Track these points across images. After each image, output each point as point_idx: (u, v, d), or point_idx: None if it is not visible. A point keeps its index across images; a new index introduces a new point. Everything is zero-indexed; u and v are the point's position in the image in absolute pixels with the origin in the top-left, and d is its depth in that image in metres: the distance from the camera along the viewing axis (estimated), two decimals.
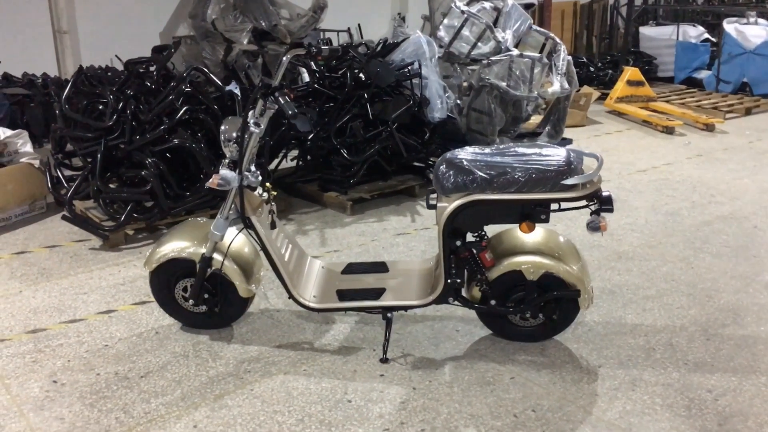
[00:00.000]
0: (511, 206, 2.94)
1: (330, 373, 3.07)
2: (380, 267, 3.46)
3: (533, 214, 2.95)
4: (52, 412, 2.81)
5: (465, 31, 6.22)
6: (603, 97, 9.05)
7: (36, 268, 4.22)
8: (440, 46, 6.22)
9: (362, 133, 5.03)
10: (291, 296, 3.20)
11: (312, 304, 3.20)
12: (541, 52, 6.55)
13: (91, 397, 2.91)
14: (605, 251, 4.40)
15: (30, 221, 5.00)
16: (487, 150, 3.03)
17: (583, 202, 2.99)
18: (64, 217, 4.48)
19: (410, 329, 3.44)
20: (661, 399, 2.86)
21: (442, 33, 6.24)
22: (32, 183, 5.03)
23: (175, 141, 4.47)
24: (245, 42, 8.81)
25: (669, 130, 7.67)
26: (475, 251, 3.02)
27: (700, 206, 5.22)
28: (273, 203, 3.22)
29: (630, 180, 5.94)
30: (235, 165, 3.04)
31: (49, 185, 4.90)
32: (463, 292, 3.19)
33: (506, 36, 6.20)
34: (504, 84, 5.95)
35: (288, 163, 5.71)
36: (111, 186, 4.72)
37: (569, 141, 6.81)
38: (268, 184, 3.20)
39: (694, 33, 10.48)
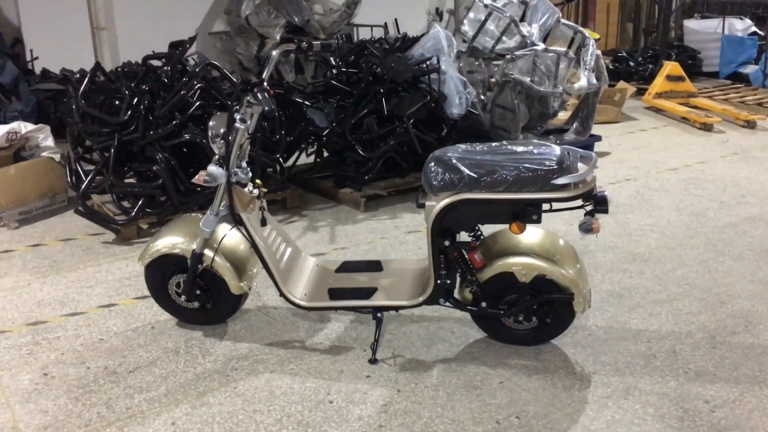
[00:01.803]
0: (500, 206, 2.85)
1: (316, 372, 3.03)
2: (375, 266, 3.40)
3: (524, 214, 2.85)
4: (37, 405, 2.84)
5: (490, 26, 6.09)
6: (643, 93, 8.81)
7: (48, 260, 4.30)
8: (464, 41, 6.12)
9: (376, 128, 4.98)
10: (281, 293, 3.17)
11: (302, 302, 3.17)
12: (569, 46, 6.39)
13: (78, 390, 2.93)
14: (620, 252, 4.25)
15: (50, 214, 5.10)
16: (479, 148, 2.95)
17: (579, 202, 2.86)
18: (76, 211, 4.55)
19: (405, 330, 3.37)
20: (653, 409, 2.74)
21: (466, 27, 6.12)
22: (53, 177, 5.13)
23: (186, 136, 4.49)
24: (278, 37, 8.83)
25: (707, 127, 7.40)
26: (464, 252, 2.94)
27: (728, 207, 5.01)
28: (263, 200, 3.19)
29: (658, 179, 5.75)
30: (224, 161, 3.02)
31: (69, 179, 4.97)
32: (456, 294, 3.12)
33: (532, 30, 6.06)
34: (528, 79, 5.81)
35: (307, 159, 5.70)
36: (130, 180, 4.79)
37: (598, 138, 6.62)
38: (258, 181, 3.17)
39: (741, 26, 10.10)
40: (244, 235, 3.14)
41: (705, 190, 5.40)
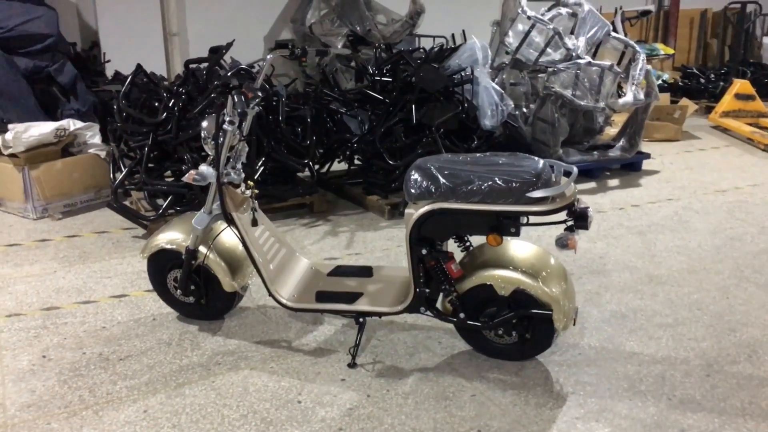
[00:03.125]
0: (476, 217, 2.82)
1: (294, 372, 3.08)
2: (366, 271, 3.43)
3: (501, 226, 2.82)
4: (28, 384, 3.00)
5: (536, 38, 6.03)
6: (711, 111, 8.47)
7: (78, 251, 4.53)
8: (507, 53, 6.07)
9: (403, 137, 5.00)
10: (270, 293, 3.23)
11: (288, 303, 3.22)
12: (620, 60, 6.23)
13: (68, 374, 3.08)
14: (638, 273, 4.11)
15: (93, 208, 5.38)
16: (462, 158, 2.94)
17: (562, 216, 2.80)
18: (108, 206, 4.78)
19: (393, 336, 3.38)
20: None
21: (510, 39, 6.08)
22: (98, 173, 5.40)
23: None
24: (339, 46, 8.98)
25: None
26: (441, 261, 2.93)
27: None
28: (255, 201, 3.26)
29: (702, 200, 5.52)
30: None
31: (111, 175, 5.23)
32: (438, 304, 3.10)
33: (578, 43, 5.95)
34: (569, 93, 5.71)
35: (344, 165, 5.79)
36: (171, 179, 5.01)
37: (647, 155, 6.41)
38: (250, 182, 3.25)
39: None
40: (236, 235, 3.23)
41: (749, 214, 5.15)
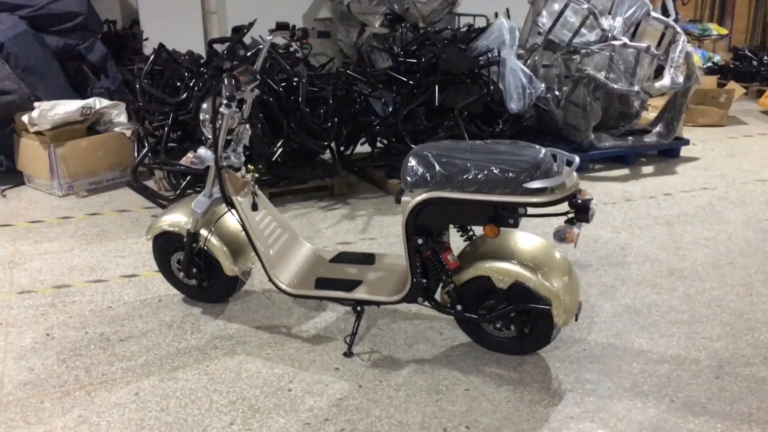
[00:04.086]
0: (473, 207, 2.72)
1: (289, 359, 3.05)
2: (368, 259, 3.36)
3: (498, 217, 2.72)
4: (27, 362, 3.04)
5: (571, 18, 5.81)
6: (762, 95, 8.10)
7: (97, 229, 4.58)
8: (539, 33, 5.88)
9: (423, 120, 4.90)
10: (269, 278, 3.20)
11: (288, 289, 3.18)
12: (660, 42, 5.97)
13: (68, 353, 3.11)
14: (659, 266, 3.95)
15: (118, 186, 5.44)
16: (462, 145, 2.84)
17: (565, 207, 2.69)
18: (128, 184, 4.81)
19: (394, 326, 3.32)
20: None
21: (544, 19, 5.88)
22: (123, 151, 5.45)
23: None
24: (377, 25, 8.85)
25: None
26: (437, 251, 2.84)
27: None
28: (255, 185, 3.23)
29: (739, 190, 5.27)
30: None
31: (136, 154, 5.26)
32: (437, 295, 3.03)
33: (614, 23, 5.72)
34: (602, 76, 5.51)
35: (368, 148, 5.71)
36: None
37: (685, 142, 6.16)
38: (250, 166, 3.21)
39: None
40: (236, 219, 3.20)
41: None
